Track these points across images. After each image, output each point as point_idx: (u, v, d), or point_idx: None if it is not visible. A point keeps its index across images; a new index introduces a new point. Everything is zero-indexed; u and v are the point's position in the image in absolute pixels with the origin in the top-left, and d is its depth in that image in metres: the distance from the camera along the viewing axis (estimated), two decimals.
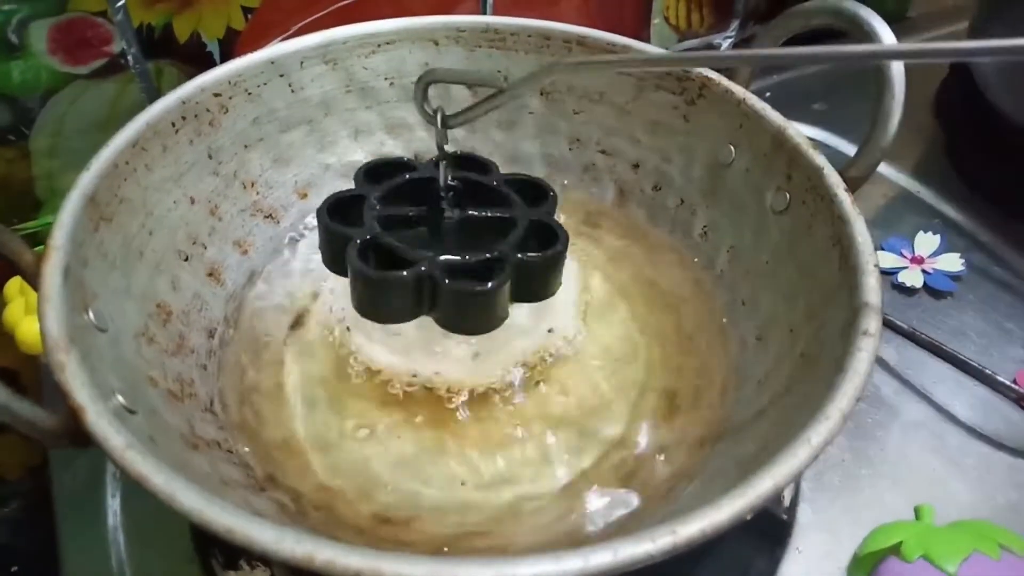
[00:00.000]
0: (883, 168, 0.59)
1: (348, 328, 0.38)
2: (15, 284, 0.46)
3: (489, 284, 0.32)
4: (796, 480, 0.40)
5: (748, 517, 0.23)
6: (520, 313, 0.37)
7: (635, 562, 0.22)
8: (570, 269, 0.40)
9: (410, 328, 0.36)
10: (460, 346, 0.37)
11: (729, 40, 0.67)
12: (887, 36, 0.34)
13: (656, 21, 0.63)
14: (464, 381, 0.37)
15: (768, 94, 0.65)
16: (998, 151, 0.57)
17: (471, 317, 0.33)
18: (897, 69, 0.34)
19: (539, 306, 0.37)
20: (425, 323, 0.35)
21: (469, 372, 0.37)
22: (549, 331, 0.39)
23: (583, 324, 0.40)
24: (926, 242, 0.53)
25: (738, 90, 0.39)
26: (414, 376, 0.37)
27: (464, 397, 0.36)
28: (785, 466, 0.24)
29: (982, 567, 0.35)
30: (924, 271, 0.51)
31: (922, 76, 0.67)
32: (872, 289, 0.30)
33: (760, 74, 0.67)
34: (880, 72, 0.34)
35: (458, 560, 0.21)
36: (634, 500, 0.33)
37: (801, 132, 0.37)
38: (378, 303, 0.33)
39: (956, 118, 0.62)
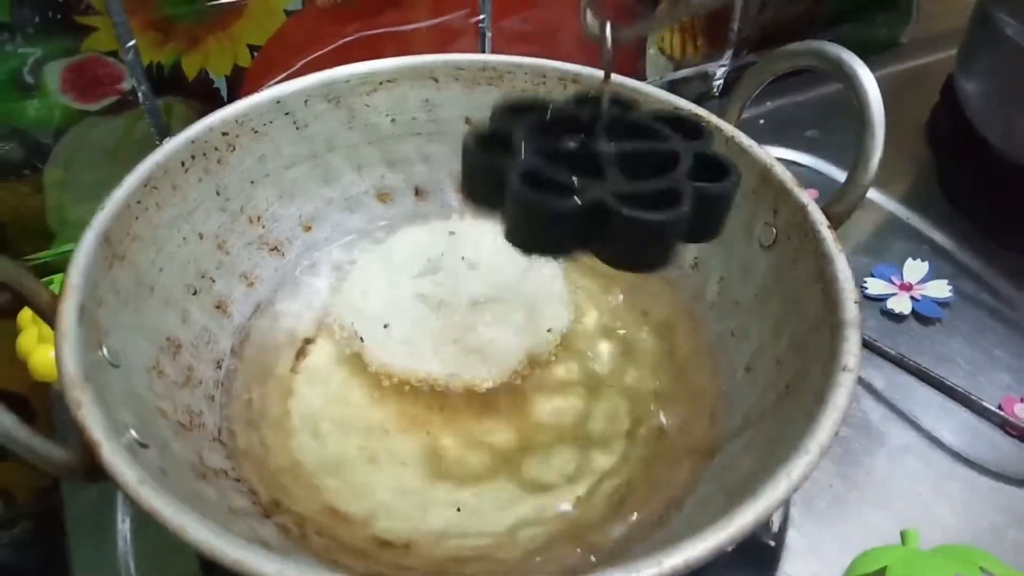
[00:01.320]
0: (874, 195, 0.60)
1: (362, 340, 0.40)
2: (28, 313, 0.47)
3: (668, 213, 0.28)
4: (784, 506, 0.41)
5: (730, 548, 0.25)
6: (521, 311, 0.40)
7: None
8: (564, 296, 0.42)
9: (423, 338, 0.40)
10: (468, 352, 0.40)
11: (723, 68, 0.69)
12: (865, 75, 0.36)
13: (651, 51, 0.65)
14: (479, 380, 0.39)
15: (762, 121, 0.67)
16: (986, 179, 0.58)
17: (646, 251, 0.30)
18: (877, 111, 0.35)
19: (536, 311, 0.40)
20: (434, 331, 0.39)
21: (480, 373, 0.39)
22: (548, 331, 0.41)
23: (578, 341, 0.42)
24: (915, 269, 0.54)
25: (726, 127, 0.41)
26: (426, 378, 0.39)
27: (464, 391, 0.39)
28: (764, 500, 0.26)
29: None
30: (913, 298, 0.52)
31: (915, 104, 0.69)
32: (851, 325, 0.31)
33: (754, 102, 0.68)
34: (861, 114, 0.36)
35: None
36: (626, 527, 0.34)
37: (786, 170, 0.38)
38: (541, 234, 0.30)
39: (946, 146, 0.63)
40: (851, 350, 0.30)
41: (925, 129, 0.67)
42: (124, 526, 0.41)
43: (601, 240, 0.30)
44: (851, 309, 0.31)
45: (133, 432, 0.29)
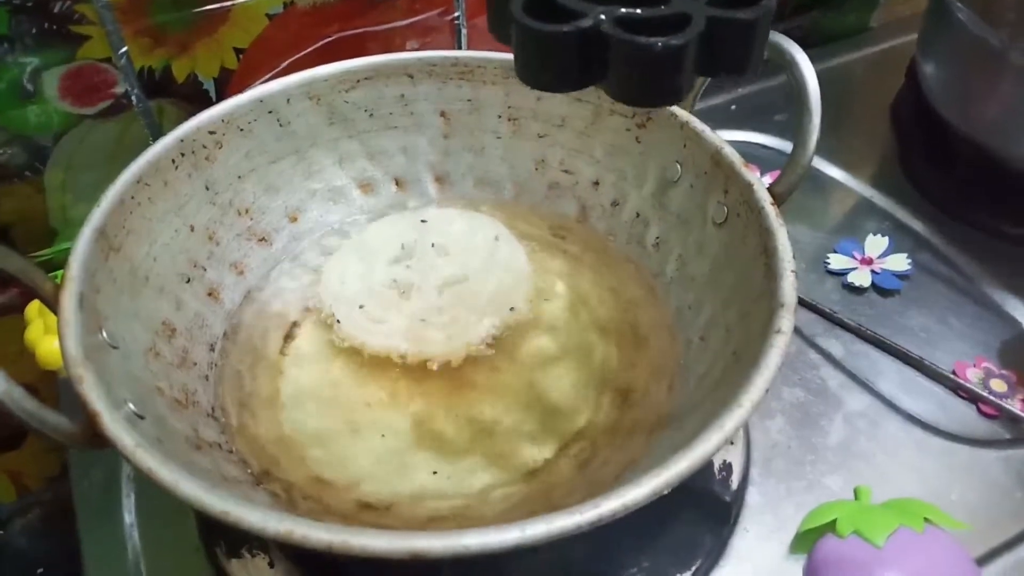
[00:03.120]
0: (840, 176, 0.63)
1: (339, 321, 0.43)
2: (34, 307, 0.50)
3: (670, 39, 0.26)
4: (744, 464, 0.44)
5: (666, 492, 0.27)
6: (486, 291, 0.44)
7: (565, 532, 0.26)
8: (532, 276, 0.45)
9: (397, 318, 0.43)
10: (435, 329, 0.43)
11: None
12: (803, 61, 0.38)
13: None
14: (442, 354, 0.42)
15: (733, 107, 0.70)
16: (945, 158, 0.61)
17: (648, 81, 0.28)
18: (814, 96, 0.38)
19: (501, 291, 0.44)
20: (408, 311, 0.42)
21: (444, 348, 0.42)
22: (511, 309, 0.44)
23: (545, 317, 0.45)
24: (875, 244, 0.57)
25: (681, 113, 0.43)
26: (400, 356, 0.42)
27: (440, 369, 0.42)
28: (699, 449, 0.28)
29: (907, 540, 0.38)
30: (873, 271, 0.55)
31: (881, 87, 0.71)
32: (787, 293, 0.34)
33: (726, 88, 0.71)
34: (799, 99, 0.38)
35: (413, 534, 0.25)
36: (589, 486, 0.37)
37: (735, 151, 0.41)
38: (544, 66, 0.29)
39: (908, 127, 0.66)
40: (784, 315, 0.33)
41: (890, 111, 0.69)
42: (128, 501, 0.44)
43: (606, 72, 0.28)
44: (788, 278, 0.34)
45: (131, 406, 0.32)
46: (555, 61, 0.28)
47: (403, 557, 0.25)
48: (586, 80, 0.29)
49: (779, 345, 0.32)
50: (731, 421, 0.29)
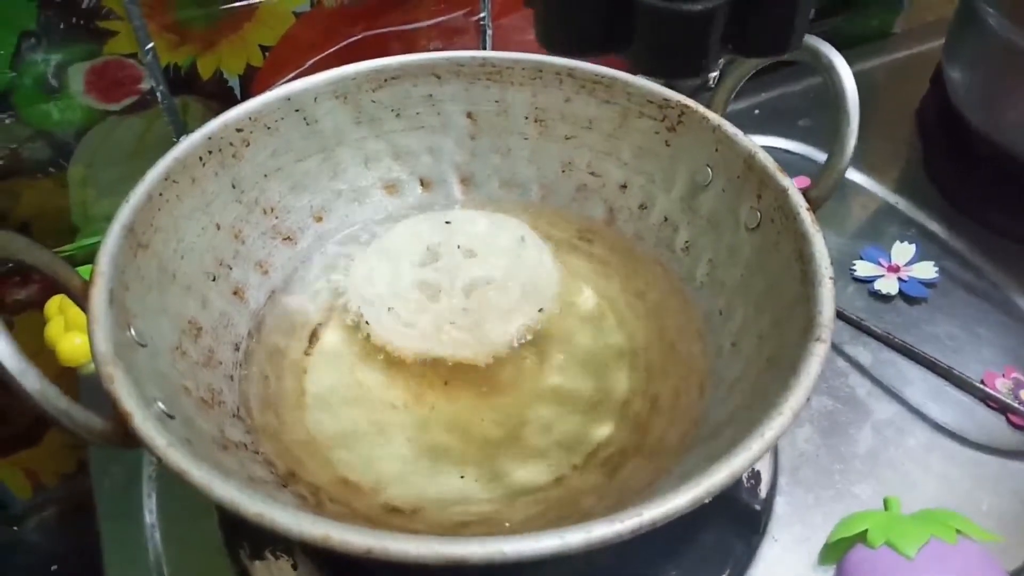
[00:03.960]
0: (865, 182, 0.63)
1: (368, 323, 0.43)
2: (55, 303, 0.50)
3: (692, 5, 0.25)
4: (772, 475, 0.43)
5: (707, 500, 0.27)
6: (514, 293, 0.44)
7: (605, 540, 0.25)
8: (559, 278, 0.45)
9: (425, 320, 0.43)
10: (464, 331, 0.43)
11: (720, 60, 0.71)
12: (841, 65, 0.38)
13: None
14: (471, 357, 0.42)
15: (756, 111, 0.69)
16: (971, 165, 0.60)
17: (671, 50, 0.27)
18: (852, 100, 0.38)
19: (530, 292, 0.43)
20: (435, 313, 0.42)
21: (473, 350, 0.42)
22: (540, 311, 0.44)
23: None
24: (902, 251, 0.56)
25: (713, 117, 0.43)
26: (429, 358, 0.42)
27: (467, 371, 0.41)
28: (739, 458, 0.28)
29: (939, 551, 0.38)
30: (900, 279, 0.54)
31: (905, 93, 0.71)
32: (825, 300, 0.33)
33: (749, 93, 0.71)
34: (837, 102, 0.38)
35: (452, 539, 0.25)
36: (619, 493, 0.37)
37: (769, 156, 0.40)
38: (568, 28, 0.28)
39: (934, 133, 0.65)
40: (824, 323, 0.32)
41: (915, 117, 0.69)
42: (150, 500, 0.44)
43: (631, 39, 0.27)
44: (826, 285, 0.34)
45: (161, 404, 0.32)
46: (580, 23, 0.27)
47: (442, 564, 0.25)
48: (609, 46, 0.28)
49: (819, 353, 0.31)
50: (772, 430, 0.29)
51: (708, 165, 0.43)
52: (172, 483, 0.44)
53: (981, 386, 0.48)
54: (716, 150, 0.43)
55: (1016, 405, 0.47)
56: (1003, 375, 0.49)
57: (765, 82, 0.71)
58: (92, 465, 0.46)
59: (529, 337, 0.43)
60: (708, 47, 0.27)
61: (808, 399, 0.30)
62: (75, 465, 0.66)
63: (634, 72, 0.39)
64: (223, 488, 0.26)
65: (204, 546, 0.41)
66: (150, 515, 0.43)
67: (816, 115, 0.68)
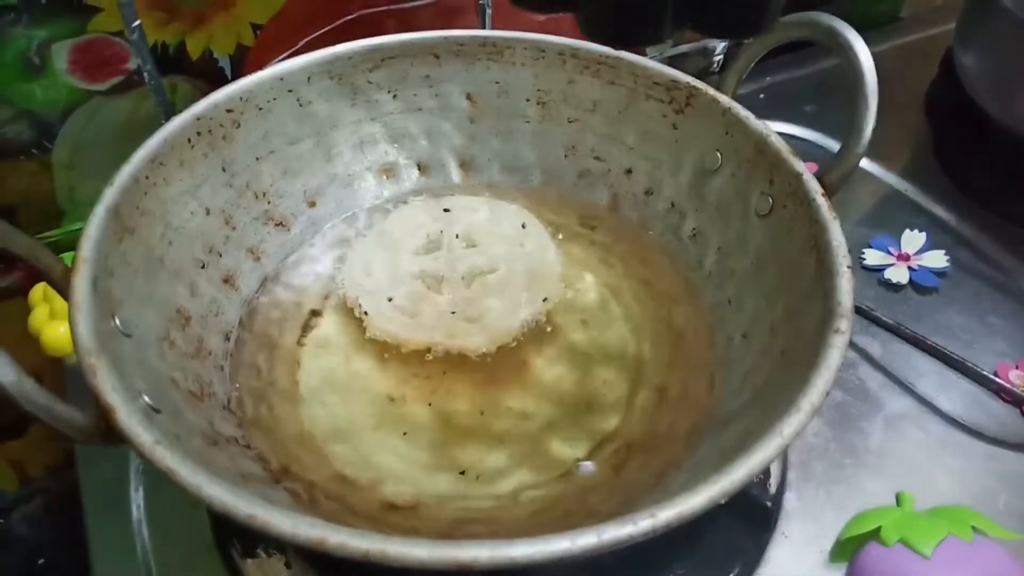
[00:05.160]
0: (874, 168, 0.61)
1: (367, 313, 0.41)
2: (39, 291, 0.48)
3: None
4: (782, 470, 0.42)
5: (723, 501, 0.26)
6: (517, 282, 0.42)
7: (618, 543, 0.24)
8: (561, 267, 0.44)
9: (425, 310, 0.41)
10: (466, 322, 0.41)
11: (723, 44, 0.69)
12: (859, 45, 0.36)
13: None
14: (474, 347, 0.40)
15: (761, 96, 0.68)
16: (983, 151, 0.59)
17: (618, 13, 0.27)
18: (870, 81, 0.36)
19: (533, 281, 0.42)
20: (435, 303, 0.41)
21: (476, 340, 0.40)
22: (544, 300, 0.42)
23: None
24: (912, 240, 0.55)
25: (724, 99, 0.41)
26: (429, 349, 0.40)
27: (467, 363, 0.40)
28: (757, 456, 0.26)
29: (956, 549, 0.37)
30: (910, 268, 0.53)
31: (914, 78, 0.69)
32: (844, 291, 0.32)
33: (754, 78, 0.69)
34: (854, 83, 0.36)
35: (456, 543, 0.23)
36: (625, 489, 0.35)
37: (782, 140, 0.39)
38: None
39: (944, 119, 0.64)
40: (843, 313, 0.31)
41: (924, 103, 0.67)
42: (137, 495, 0.42)
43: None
44: (844, 274, 0.32)
45: (146, 398, 0.30)
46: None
47: (446, 568, 0.23)
48: (557, 5, 0.27)
49: (838, 345, 0.30)
50: (790, 426, 0.27)
51: (717, 149, 0.42)
52: (160, 477, 0.42)
53: (995, 378, 0.47)
54: (726, 133, 0.41)
55: None
56: (1016, 367, 0.48)
57: (771, 66, 0.69)
58: (79, 458, 0.44)
59: (532, 327, 0.41)
60: (658, 12, 0.26)
61: (828, 393, 0.28)
62: (62, 457, 0.65)
63: (582, 37, 0.39)
64: (212, 488, 0.25)
65: (194, 543, 0.40)
66: (137, 510, 0.42)
67: (823, 100, 0.66)
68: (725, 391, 0.37)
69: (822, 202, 0.35)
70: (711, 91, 0.42)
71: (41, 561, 0.65)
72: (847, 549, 0.39)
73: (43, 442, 0.63)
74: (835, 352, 0.29)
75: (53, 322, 0.47)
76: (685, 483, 0.32)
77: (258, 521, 0.24)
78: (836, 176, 0.37)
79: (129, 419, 0.27)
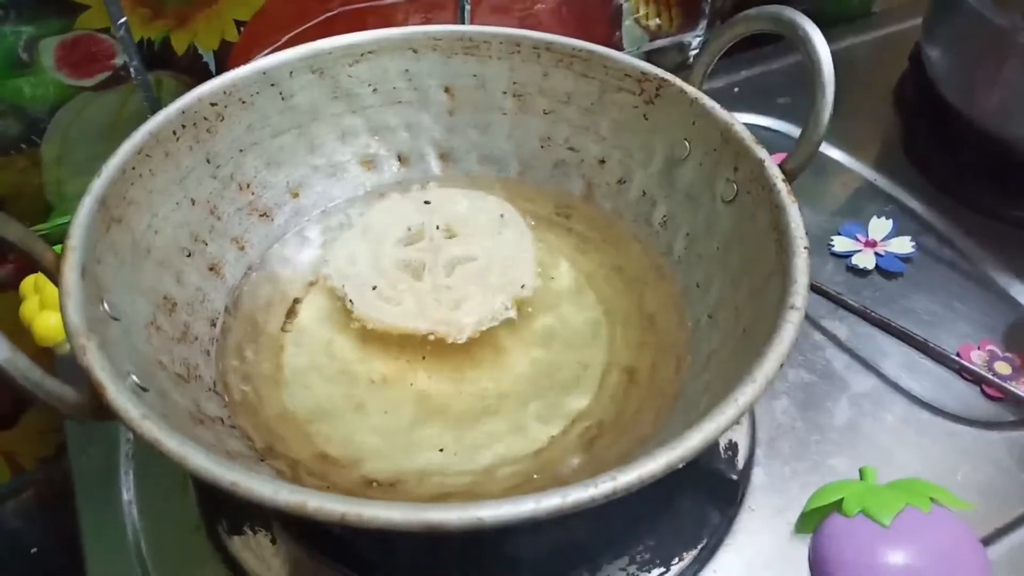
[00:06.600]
0: (843, 158, 0.63)
1: (352, 301, 0.43)
2: (30, 282, 0.49)
3: None
4: (749, 444, 0.43)
5: (680, 466, 0.27)
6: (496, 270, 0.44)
7: (580, 504, 0.26)
8: (538, 255, 0.45)
9: (408, 298, 0.42)
10: (447, 308, 0.43)
11: (698, 39, 0.71)
12: (817, 37, 0.38)
13: (627, 23, 0.67)
14: (455, 332, 0.42)
15: (736, 89, 0.69)
16: (948, 141, 0.61)
17: None
18: (828, 72, 0.38)
19: (510, 269, 0.44)
20: (417, 291, 0.42)
21: (457, 326, 0.42)
22: (522, 287, 0.44)
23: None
24: (879, 226, 0.57)
25: (691, 90, 0.43)
26: (407, 334, 0.42)
27: (445, 346, 0.41)
28: (713, 423, 0.28)
29: (914, 519, 0.38)
30: (877, 253, 0.55)
31: (884, 71, 0.71)
32: (800, 269, 0.33)
33: (729, 71, 0.70)
34: (813, 74, 0.38)
35: (427, 506, 0.25)
36: (596, 464, 0.37)
37: (746, 128, 0.40)
38: None
39: (912, 111, 0.65)
40: (799, 291, 0.32)
41: (893, 95, 0.69)
42: (127, 478, 0.44)
43: None
44: (801, 254, 0.34)
45: (135, 377, 0.31)
46: None
47: (417, 530, 0.25)
48: None
49: (793, 321, 0.31)
50: (745, 396, 0.29)
51: (686, 139, 0.43)
52: (149, 461, 0.44)
53: (957, 358, 0.48)
54: (693, 123, 0.43)
55: (991, 376, 0.47)
56: (978, 348, 0.50)
57: (744, 60, 0.71)
58: (70, 444, 0.46)
59: (509, 313, 0.43)
60: None
61: (782, 366, 0.30)
62: (53, 448, 0.66)
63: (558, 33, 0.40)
64: (198, 458, 0.26)
65: (182, 523, 0.41)
66: (127, 492, 0.43)
67: (795, 93, 0.68)
68: (691, 371, 0.39)
69: (782, 187, 0.37)
70: (679, 82, 0.43)
71: (34, 550, 0.66)
72: (811, 521, 0.40)
73: (35, 434, 0.64)
74: (790, 327, 0.31)
75: (44, 313, 0.48)
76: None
77: (241, 488, 0.26)
78: (796, 162, 0.38)
79: (118, 395, 0.28)
